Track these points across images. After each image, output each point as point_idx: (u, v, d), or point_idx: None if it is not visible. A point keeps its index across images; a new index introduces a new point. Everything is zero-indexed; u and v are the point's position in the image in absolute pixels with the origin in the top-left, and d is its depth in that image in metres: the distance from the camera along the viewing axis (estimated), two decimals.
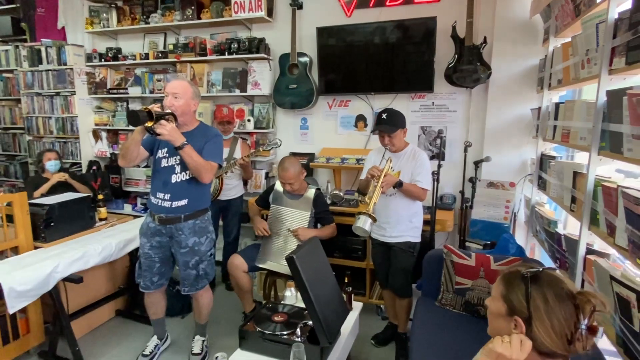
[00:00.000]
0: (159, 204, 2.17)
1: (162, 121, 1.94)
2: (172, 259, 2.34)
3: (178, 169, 2.16)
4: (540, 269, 1.00)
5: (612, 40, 1.50)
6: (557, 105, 2.21)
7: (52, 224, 2.47)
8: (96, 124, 4.20)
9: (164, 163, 2.18)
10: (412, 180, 2.32)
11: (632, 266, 1.27)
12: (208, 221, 2.32)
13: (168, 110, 2.04)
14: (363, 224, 2.06)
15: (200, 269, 2.28)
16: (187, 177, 2.17)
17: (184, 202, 2.17)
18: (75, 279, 2.27)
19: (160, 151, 2.19)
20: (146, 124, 1.90)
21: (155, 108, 1.97)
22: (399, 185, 2.24)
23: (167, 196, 2.16)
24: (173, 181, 2.16)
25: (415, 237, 2.42)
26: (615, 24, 1.48)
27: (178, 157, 2.13)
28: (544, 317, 0.93)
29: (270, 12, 3.47)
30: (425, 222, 2.53)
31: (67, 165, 4.15)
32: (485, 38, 2.86)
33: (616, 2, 1.48)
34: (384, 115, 2.30)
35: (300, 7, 3.38)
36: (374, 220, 2.08)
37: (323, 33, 3.28)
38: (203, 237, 2.26)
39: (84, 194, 2.90)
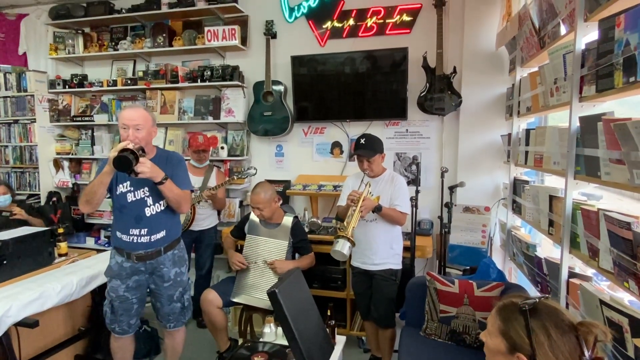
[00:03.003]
0: (135, 241, 2.02)
1: (141, 158, 1.79)
2: (146, 296, 2.20)
3: (150, 201, 2.03)
4: (537, 300, 0.96)
5: (581, 70, 1.57)
6: (527, 131, 2.29)
7: (4, 261, 2.24)
8: (58, 153, 3.97)
9: (130, 198, 2.01)
10: (391, 205, 2.30)
11: (618, 289, 1.27)
12: (183, 249, 2.24)
13: (133, 145, 1.83)
14: (341, 247, 1.99)
15: (185, 300, 2.21)
16: (163, 208, 2.06)
17: (162, 233, 2.06)
18: (29, 323, 2.03)
19: (120, 186, 2.02)
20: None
21: (129, 145, 1.78)
22: (378, 209, 2.21)
23: (144, 231, 2.02)
24: (148, 214, 2.02)
25: (396, 264, 2.38)
26: (583, 54, 1.56)
27: (146, 188, 2.00)
28: (548, 353, 0.89)
29: (244, 40, 3.48)
30: (404, 249, 2.50)
31: (24, 197, 3.88)
32: (455, 68, 2.97)
33: (582, 34, 1.57)
34: (362, 140, 2.31)
35: (274, 36, 3.41)
36: (353, 244, 2.02)
37: (298, 62, 3.30)
38: (183, 266, 2.20)
39: (40, 227, 2.68)
